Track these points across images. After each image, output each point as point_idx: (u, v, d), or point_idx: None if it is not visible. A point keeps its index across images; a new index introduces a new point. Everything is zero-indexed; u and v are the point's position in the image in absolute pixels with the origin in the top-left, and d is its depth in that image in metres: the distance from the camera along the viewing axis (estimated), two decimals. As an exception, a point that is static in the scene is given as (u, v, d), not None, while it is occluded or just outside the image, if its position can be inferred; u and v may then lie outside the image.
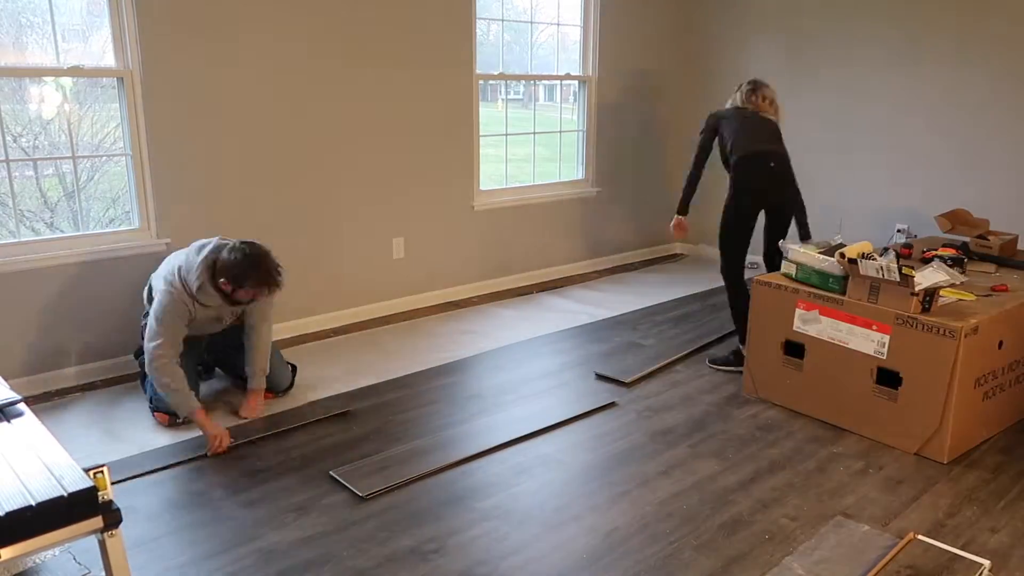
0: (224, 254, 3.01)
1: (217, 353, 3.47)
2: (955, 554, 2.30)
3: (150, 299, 3.21)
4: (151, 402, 3.21)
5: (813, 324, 3.20)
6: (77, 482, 1.62)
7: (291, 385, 3.50)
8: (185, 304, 3.03)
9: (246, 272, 2.98)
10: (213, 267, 3.01)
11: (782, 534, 2.46)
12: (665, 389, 3.58)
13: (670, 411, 3.35)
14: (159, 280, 3.11)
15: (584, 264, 5.70)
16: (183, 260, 3.10)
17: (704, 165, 3.84)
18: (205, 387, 3.48)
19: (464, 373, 3.76)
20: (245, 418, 3.22)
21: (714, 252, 6.11)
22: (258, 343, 3.27)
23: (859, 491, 2.72)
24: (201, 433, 3.00)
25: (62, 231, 3.74)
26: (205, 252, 3.05)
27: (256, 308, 3.25)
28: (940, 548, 2.32)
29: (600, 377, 3.69)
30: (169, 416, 3.14)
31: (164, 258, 3.31)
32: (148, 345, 2.99)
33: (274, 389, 3.41)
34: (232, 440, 2.99)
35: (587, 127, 5.52)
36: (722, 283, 3.93)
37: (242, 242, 3.06)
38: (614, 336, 4.28)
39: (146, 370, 3.03)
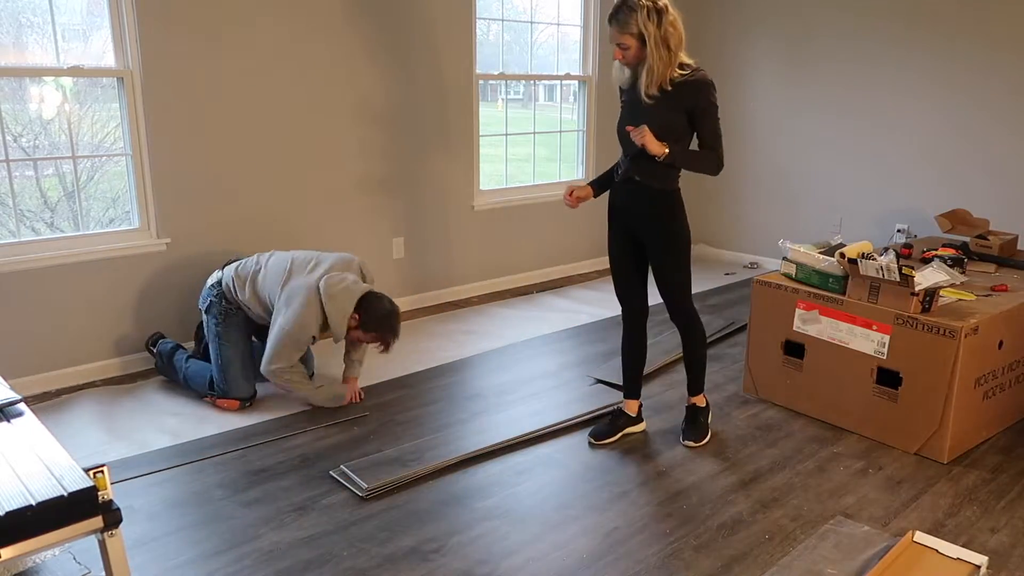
0: (373, 298, 3.21)
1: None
2: (953, 552, 2.30)
3: (215, 297, 3.35)
4: (212, 388, 3.31)
5: (813, 324, 3.21)
6: (77, 482, 1.62)
7: (312, 374, 3.63)
8: (317, 326, 3.18)
9: (383, 325, 3.21)
10: (361, 304, 3.18)
11: (782, 534, 2.46)
12: (665, 389, 3.58)
13: (670, 411, 3.35)
14: (285, 294, 3.20)
15: (584, 264, 5.70)
16: (320, 282, 3.17)
17: None
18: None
19: (464, 373, 3.76)
20: (352, 402, 3.42)
21: (713, 252, 6.12)
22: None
23: (859, 491, 2.72)
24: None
25: (62, 231, 3.74)
26: (359, 287, 3.20)
27: None
28: (939, 546, 2.32)
29: (598, 381, 3.68)
30: (239, 401, 3.30)
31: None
32: (272, 367, 3.18)
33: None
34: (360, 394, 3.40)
35: (587, 127, 5.52)
36: (720, 283, 3.89)
37: (387, 298, 3.27)
38: (614, 336, 4.28)
39: (275, 385, 3.28)
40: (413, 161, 4.57)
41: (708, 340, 4.15)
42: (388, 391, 3.54)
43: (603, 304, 4.86)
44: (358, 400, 3.40)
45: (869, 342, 3.03)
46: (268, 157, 3.99)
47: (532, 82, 5.47)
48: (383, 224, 4.53)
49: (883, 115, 5.04)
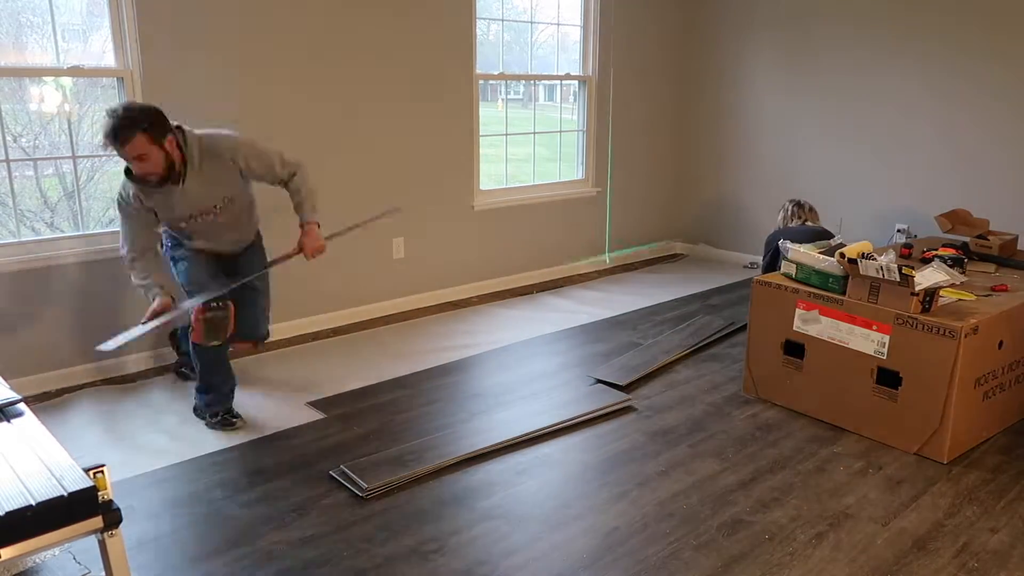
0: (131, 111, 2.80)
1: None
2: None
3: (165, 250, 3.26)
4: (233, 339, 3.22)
5: (813, 324, 3.20)
6: (77, 482, 1.62)
7: (267, 335, 3.43)
8: (128, 197, 2.94)
9: (151, 114, 2.81)
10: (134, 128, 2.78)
11: (782, 534, 2.46)
12: (665, 389, 3.58)
13: (670, 411, 3.35)
14: None
15: (584, 264, 5.70)
16: None
17: None
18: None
19: (464, 373, 3.76)
20: (309, 255, 3.18)
21: (713, 252, 6.12)
22: (297, 186, 3.23)
23: (859, 491, 2.72)
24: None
25: (62, 231, 3.74)
26: None
27: (257, 170, 3.16)
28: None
29: (598, 381, 3.68)
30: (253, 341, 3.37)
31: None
32: (120, 252, 3.00)
33: (251, 337, 3.36)
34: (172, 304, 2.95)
35: (587, 127, 5.52)
36: (720, 283, 3.89)
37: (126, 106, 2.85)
38: (614, 336, 4.28)
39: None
40: (413, 161, 4.57)
41: (708, 339, 4.17)
42: (388, 391, 3.54)
43: (603, 304, 4.86)
44: (310, 256, 3.16)
45: (869, 342, 3.03)
46: (268, 157, 3.99)
47: (532, 82, 5.47)
48: (383, 224, 4.53)
49: (883, 116, 5.04)
